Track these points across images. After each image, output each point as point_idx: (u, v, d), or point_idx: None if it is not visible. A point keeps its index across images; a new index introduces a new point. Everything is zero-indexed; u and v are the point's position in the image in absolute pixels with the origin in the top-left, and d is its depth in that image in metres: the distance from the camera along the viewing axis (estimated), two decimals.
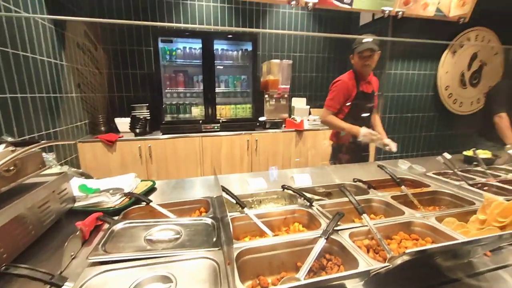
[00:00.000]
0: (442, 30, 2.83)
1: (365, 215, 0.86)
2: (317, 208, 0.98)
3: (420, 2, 2.49)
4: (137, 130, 2.41)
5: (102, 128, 2.46)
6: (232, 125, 2.64)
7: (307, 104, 3.20)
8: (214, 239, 0.77)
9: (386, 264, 0.56)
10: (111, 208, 0.97)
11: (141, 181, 1.24)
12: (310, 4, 2.28)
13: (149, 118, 2.53)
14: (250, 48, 2.71)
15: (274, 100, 2.81)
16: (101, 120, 2.46)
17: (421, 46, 2.89)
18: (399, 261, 0.55)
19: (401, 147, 3.12)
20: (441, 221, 0.90)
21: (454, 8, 2.59)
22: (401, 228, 0.89)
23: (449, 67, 2.95)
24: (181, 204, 1.06)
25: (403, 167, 1.55)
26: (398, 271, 0.58)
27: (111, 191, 1.08)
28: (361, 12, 2.75)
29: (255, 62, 2.72)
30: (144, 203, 1.01)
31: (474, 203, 1.03)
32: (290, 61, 2.85)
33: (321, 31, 3.31)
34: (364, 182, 1.22)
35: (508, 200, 0.85)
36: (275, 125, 2.79)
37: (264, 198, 1.14)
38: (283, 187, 1.11)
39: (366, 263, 0.68)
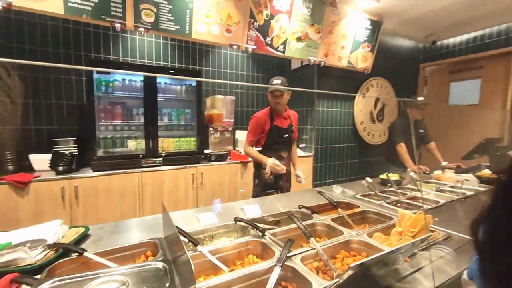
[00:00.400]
0: (354, 77, 3.51)
1: (312, 238, 0.94)
2: (269, 237, 1.02)
3: (336, 55, 3.08)
4: (60, 168, 2.07)
5: (10, 167, 2.03)
6: (176, 158, 2.55)
7: None
8: (167, 284, 0.71)
9: (336, 280, 0.63)
10: (30, 266, 0.80)
11: (70, 228, 1.06)
12: (250, 49, 2.56)
13: (76, 153, 2.23)
14: (194, 83, 2.78)
15: (218, 133, 2.87)
16: (9, 157, 2.04)
17: (341, 89, 3.50)
18: (345, 276, 0.63)
19: (333, 173, 3.53)
20: (371, 236, 1.06)
21: (360, 62, 3.29)
22: (342, 247, 1.00)
23: (361, 107, 3.62)
24: (123, 250, 0.95)
25: (337, 192, 1.76)
26: (346, 286, 0.66)
27: (28, 244, 0.89)
28: (291, 59, 3.22)
29: (199, 96, 2.79)
30: (76, 254, 0.86)
31: (392, 218, 1.25)
32: (233, 97, 3.02)
33: (259, 71, 3.67)
34: (307, 208, 1.33)
35: (415, 213, 1.07)
36: (220, 157, 2.81)
37: (216, 233, 1.13)
38: (236, 219, 1.12)
39: (318, 283, 0.74)
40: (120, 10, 1.98)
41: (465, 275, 0.73)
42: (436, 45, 3.98)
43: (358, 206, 1.43)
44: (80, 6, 1.85)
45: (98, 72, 2.35)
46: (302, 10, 2.68)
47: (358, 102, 3.59)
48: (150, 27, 2.09)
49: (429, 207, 1.47)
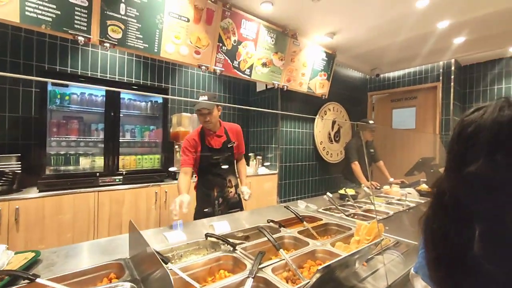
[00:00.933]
0: (314, 101, 3.83)
1: (281, 250, 0.99)
2: (240, 252, 1.04)
3: (297, 81, 3.36)
4: None
5: None
6: (137, 177, 2.42)
7: None
8: None
9: (307, 281, 0.69)
10: None
11: (16, 253, 0.94)
12: (218, 71, 2.66)
13: (19, 171, 1.98)
14: (160, 100, 2.75)
15: None
16: None
17: (302, 111, 3.77)
18: (314, 278, 0.69)
19: (297, 190, 3.68)
20: (334, 246, 1.15)
21: (318, 88, 3.62)
22: (308, 257, 1.07)
23: (320, 128, 3.93)
24: (82, 273, 0.88)
25: (301, 206, 1.86)
26: None
27: None
28: (257, 82, 3.41)
29: (165, 114, 2.75)
30: (27, 281, 0.77)
31: (351, 229, 1.37)
32: None
33: (226, 92, 3.79)
34: (275, 222, 1.39)
35: (369, 223, 1.20)
36: None
37: (185, 251, 1.10)
38: (207, 235, 1.12)
39: None
40: (85, 24, 1.93)
41: (412, 270, 0.84)
42: (379, 77, 4.60)
43: (321, 219, 1.53)
44: (40, 16, 1.75)
45: (54, 84, 2.19)
46: (267, 39, 2.91)
47: (317, 124, 3.89)
48: (116, 43, 2.07)
49: (381, 217, 1.64)
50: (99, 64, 2.70)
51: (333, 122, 4.09)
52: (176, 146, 2.78)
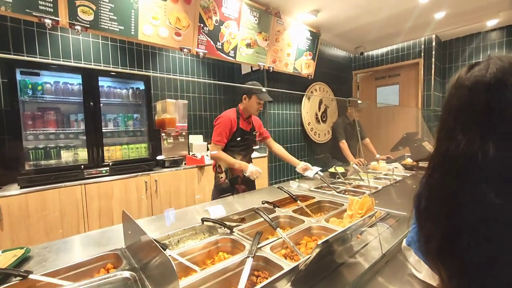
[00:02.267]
0: (300, 82, 3.81)
1: (278, 229, 1.00)
2: (237, 233, 1.05)
3: (283, 61, 3.30)
4: None
5: None
6: (125, 167, 2.35)
7: (204, 141, 3.32)
8: None
9: (307, 256, 0.70)
10: None
11: (4, 251, 0.90)
12: (201, 54, 2.55)
13: None
14: (142, 87, 2.62)
15: (172, 138, 2.76)
16: None
17: (288, 92, 3.74)
18: (314, 253, 0.71)
19: (287, 171, 3.73)
20: (328, 221, 1.18)
21: (304, 68, 3.59)
22: (304, 234, 1.10)
23: (307, 109, 3.94)
24: (77, 266, 0.85)
25: (293, 186, 1.89)
26: (314, 263, 0.73)
27: None
28: (242, 64, 3.32)
29: (149, 101, 2.64)
30: (19, 278, 0.74)
31: (343, 204, 1.41)
32: (186, 101, 2.95)
33: (211, 76, 3.67)
34: (270, 203, 1.40)
35: (360, 198, 1.23)
36: (175, 163, 2.71)
37: (182, 237, 1.10)
38: (203, 219, 1.12)
39: (288, 265, 0.80)
40: (51, 5, 1.77)
41: (404, 243, 0.86)
42: (364, 55, 4.61)
43: (314, 197, 1.56)
44: None
45: (23, 73, 2.02)
46: (250, 18, 2.81)
47: (304, 105, 3.89)
48: (88, 26, 1.92)
49: (370, 192, 1.70)
50: (71, 50, 2.52)
51: (320, 102, 4.10)
52: (163, 134, 2.70)
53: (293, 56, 3.38)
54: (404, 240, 0.85)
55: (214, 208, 1.35)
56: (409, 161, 2.41)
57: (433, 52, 3.84)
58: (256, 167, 1.88)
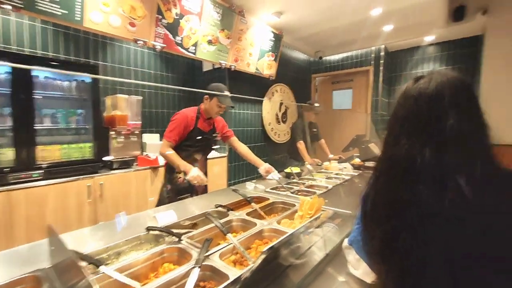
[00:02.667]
0: (262, 82, 3.84)
1: (229, 234, 0.99)
2: (186, 241, 1.01)
3: (245, 61, 3.29)
4: None
5: None
6: (64, 169, 2.10)
7: (160, 140, 3.15)
8: None
9: (251, 265, 0.70)
10: None
11: None
12: (158, 47, 2.40)
13: None
14: (88, 79, 2.37)
15: (123, 137, 2.55)
16: None
17: (251, 93, 3.75)
18: (259, 260, 0.71)
19: (246, 171, 3.74)
20: (279, 223, 1.21)
21: (266, 69, 3.63)
22: (256, 237, 1.10)
23: (268, 109, 4.00)
24: None
25: (250, 188, 1.90)
26: (259, 270, 0.74)
27: None
28: (203, 61, 3.22)
29: (96, 95, 2.40)
30: None
31: (295, 205, 1.46)
32: (140, 97, 2.76)
33: (168, 71, 3.49)
34: (223, 206, 1.39)
35: (311, 198, 1.29)
36: (125, 164, 2.51)
37: (124, 248, 1.02)
38: (148, 228, 1.05)
39: (234, 274, 0.79)
40: None
41: (345, 242, 0.88)
42: (322, 60, 4.85)
43: (268, 199, 1.59)
44: None
45: None
46: (212, 14, 2.73)
47: (265, 105, 3.95)
48: (22, 6, 1.66)
49: (321, 191, 1.79)
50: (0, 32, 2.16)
51: (281, 103, 4.20)
52: (112, 133, 2.48)
53: (256, 56, 3.39)
54: (346, 239, 0.88)
55: (164, 214, 1.28)
56: (357, 161, 2.60)
57: (382, 61, 4.21)
58: (200, 173, 1.74)
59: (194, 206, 1.51)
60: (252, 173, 3.86)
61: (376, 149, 2.92)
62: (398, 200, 0.54)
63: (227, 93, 1.93)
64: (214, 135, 2.06)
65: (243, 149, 2.17)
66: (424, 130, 0.53)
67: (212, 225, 1.10)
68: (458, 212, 0.48)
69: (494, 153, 0.53)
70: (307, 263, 0.93)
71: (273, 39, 3.54)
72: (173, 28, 2.45)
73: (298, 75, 4.68)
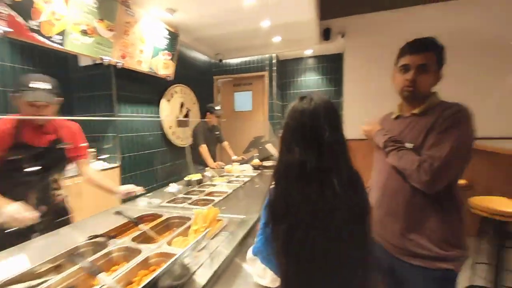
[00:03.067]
0: (158, 83, 3.54)
1: (101, 274, 0.83)
2: None
3: (135, 58, 2.93)
4: None
5: None
6: None
7: None
8: None
9: None
10: None
11: None
12: (1, 31, 1.79)
13: None
14: None
15: None
16: None
17: (145, 94, 3.39)
18: None
19: (145, 181, 3.37)
20: (171, 243, 1.12)
21: (162, 68, 3.36)
22: (141, 267, 0.98)
23: (167, 112, 3.74)
24: None
25: (142, 204, 1.70)
26: None
27: None
28: (77, 54, 2.63)
29: None
30: None
31: (191, 218, 1.40)
32: None
33: (27, 63, 2.69)
34: (102, 235, 1.17)
35: (207, 208, 1.26)
36: None
37: None
38: None
39: None
40: None
41: (249, 254, 0.88)
42: (222, 62, 4.94)
43: (162, 215, 1.46)
44: None
45: None
46: None
47: (164, 107, 3.66)
48: None
49: (221, 198, 1.80)
50: None
51: (182, 105, 4.01)
52: None
53: (148, 53, 3.07)
54: (250, 250, 0.89)
55: (12, 260, 0.96)
56: (256, 161, 2.79)
57: (275, 68, 4.69)
58: (21, 210, 1.14)
59: (64, 239, 1.21)
60: (153, 182, 3.52)
61: (272, 149, 3.21)
62: (294, 200, 0.65)
63: (38, 84, 1.30)
64: (59, 147, 1.46)
65: (95, 175, 1.66)
66: (309, 139, 0.67)
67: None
68: (333, 205, 0.64)
69: (350, 157, 0.72)
70: (197, 280, 0.90)
71: (169, 37, 3.32)
72: (23, 9, 1.89)
73: (200, 76, 4.59)
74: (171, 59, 3.45)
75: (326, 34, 4.03)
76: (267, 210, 0.72)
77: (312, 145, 0.66)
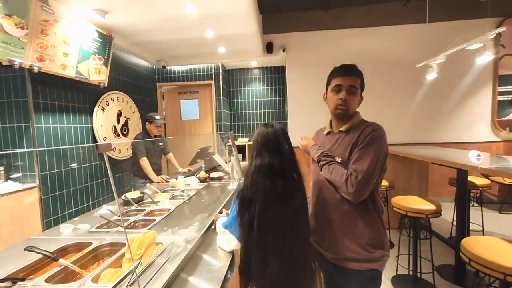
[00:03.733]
0: (89, 90, 3.17)
1: None
2: None
3: (57, 62, 2.56)
4: None
5: None
6: None
7: None
8: None
9: None
10: None
11: None
12: None
13: None
14: None
15: None
16: None
17: (73, 102, 2.98)
18: None
19: (74, 201, 2.94)
20: (97, 279, 0.98)
21: (93, 74, 3.03)
22: None
23: (102, 121, 3.36)
24: None
25: (66, 232, 1.46)
26: None
27: None
28: None
29: None
30: None
31: (125, 245, 1.26)
32: None
33: None
34: (4, 280, 0.96)
35: (144, 232, 1.15)
36: None
37: None
38: None
39: None
40: None
41: (220, 227, 1.22)
42: (166, 69, 4.72)
43: (91, 243, 1.28)
44: None
45: None
46: None
47: (97, 117, 3.28)
48: None
49: (162, 216, 1.67)
50: None
51: (119, 114, 3.66)
52: None
53: (74, 57, 2.72)
54: (219, 224, 1.26)
55: None
56: (202, 174, 2.71)
57: (221, 77, 4.69)
58: None
59: None
60: (85, 201, 3.08)
61: (219, 159, 3.17)
62: (265, 188, 0.97)
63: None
64: None
65: None
66: (274, 150, 1.03)
67: None
68: (294, 189, 1.02)
69: (297, 160, 1.07)
70: None
71: (100, 40, 3.01)
72: None
73: (141, 83, 4.28)
74: (104, 63, 3.12)
75: (269, 48, 4.23)
76: (239, 195, 1.02)
77: (276, 153, 1.02)
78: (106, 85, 3.22)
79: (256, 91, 5.19)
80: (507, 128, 4.20)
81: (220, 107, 4.70)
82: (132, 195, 1.96)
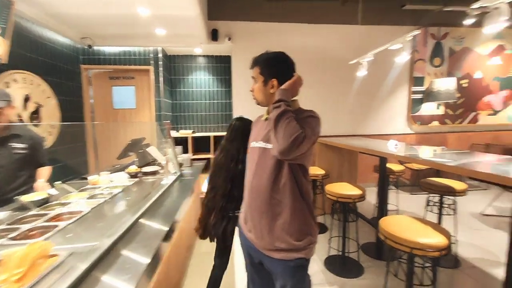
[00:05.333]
0: None
1: None
2: None
3: None
4: None
5: None
6: None
7: None
8: None
9: None
10: None
11: None
12: None
13: None
14: None
15: None
16: None
17: None
18: None
19: None
20: None
21: None
22: None
23: None
24: None
25: None
26: None
27: None
28: None
29: None
30: None
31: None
32: None
33: None
34: None
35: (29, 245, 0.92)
36: None
37: None
38: None
39: None
40: None
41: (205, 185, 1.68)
42: (93, 49, 4.09)
43: None
44: None
45: None
46: None
47: None
48: None
49: (69, 222, 1.41)
50: None
51: (26, 99, 3.02)
52: None
53: None
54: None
55: None
56: (132, 168, 2.43)
57: (161, 63, 4.30)
58: None
59: None
60: None
61: (155, 152, 2.90)
62: (233, 168, 1.60)
63: None
64: None
65: None
66: (243, 139, 1.50)
67: None
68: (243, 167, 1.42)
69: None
70: None
71: None
72: None
73: (61, 64, 3.61)
74: (1, 34, 2.50)
75: (214, 35, 4.02)
76: (213, 163, 1.68)
77: (244, 142, 1.43)
78: (6, 62, 2.59)
79: (201, 80, 4.94)
80: (418, 122, 4.93)
81: (160, 96, 4.32)
82: (32, 197, 1.62)
